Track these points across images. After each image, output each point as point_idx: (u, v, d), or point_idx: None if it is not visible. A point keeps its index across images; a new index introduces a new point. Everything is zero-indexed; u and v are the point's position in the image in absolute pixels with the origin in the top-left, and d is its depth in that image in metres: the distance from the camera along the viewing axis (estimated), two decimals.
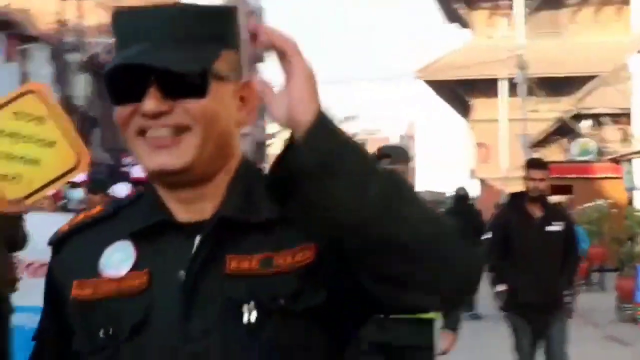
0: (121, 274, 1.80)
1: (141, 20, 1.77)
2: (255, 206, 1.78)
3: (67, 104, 29.99)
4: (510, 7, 43.96)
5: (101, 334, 1.79)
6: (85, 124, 31.99)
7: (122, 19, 1.80)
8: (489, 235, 8.67)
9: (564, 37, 48.30)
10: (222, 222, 1.76)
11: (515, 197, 8.70)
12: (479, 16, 50.68)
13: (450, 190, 20.64)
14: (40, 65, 30.16)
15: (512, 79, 36.49)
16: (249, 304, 1.72)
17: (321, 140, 1.57)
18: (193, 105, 1.73)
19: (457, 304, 1.75)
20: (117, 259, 1.81)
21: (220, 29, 1.80)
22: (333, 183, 1.56)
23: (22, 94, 4.78)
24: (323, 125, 1.58)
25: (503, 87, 39.48)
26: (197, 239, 1.77)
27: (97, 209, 1.94)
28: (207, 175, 1.79)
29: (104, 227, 1.88)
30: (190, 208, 1.80)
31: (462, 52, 48.97)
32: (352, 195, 1.56)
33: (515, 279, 8.37)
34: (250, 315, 1.72)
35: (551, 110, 39.84)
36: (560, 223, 8.41)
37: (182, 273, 1.75)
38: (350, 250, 1.61)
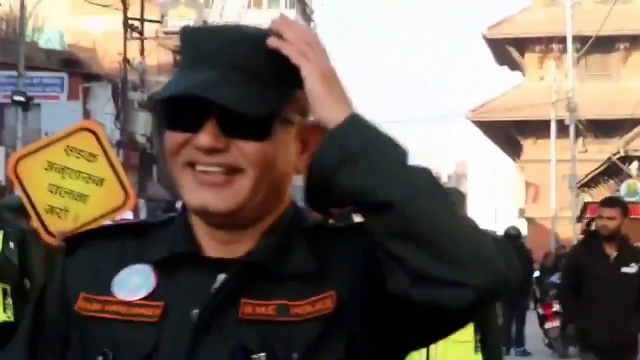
0: (135, 299, 1.66)
1: (212, 43, 1.61)
2: (286, 256, 1.65)
3: (128, 141, 30.24)
4: (562, 50, 43.78)
5: (100, 357, 1.65)
6: (145, 160, 32.22)
7: (191, 37, 1.65)
8: (555, 276, 8.37)
9: (613, 80, 48.01)
10: (248, 266, 1.64)
11: (590, 236, 8.37)
12: (530, 59, 50.58)
13: (500, 229, 20.40)
14: (103, 103, 30.48)
15: (562, 120, 36.24)
16: (260, 354, 1.59)
17: (353, 133, 1.52)
18: (251, 147, 1.60)
19: (492, 299, 1.58)
20: (134, 283, 1.67)
21: (290, 64, 1.61)
22: (363, 169, 1.51)
23: (76, 131, 4.81)
24: (350, 120, 1.54)
25: (553, 129, 39.22)
26: (220, 278, 1.63)
27: (126, 221, 1.79)
28: (251, 221, 1.65)
29: (127, 242, 1.73)
30: (224, 248, 1.66)
31: (513, 94, 48.85)
32: (385, 177, 1.51)
33: (586, 320, 7.98)
34: None
35: (600, 151, 39.47)
36: (636, 264, 7.93)
37: (196, 312, 1.61)
38: (383, 254, 1.53)
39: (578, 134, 37.96)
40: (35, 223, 4.60)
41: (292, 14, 59.16)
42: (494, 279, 1.53)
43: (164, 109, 1.63)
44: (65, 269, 1.74)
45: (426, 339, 1.67)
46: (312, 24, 67.45)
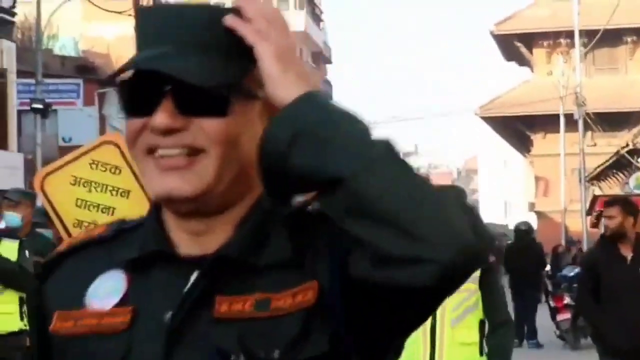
0: (106, 308, 1.53)
1: (166, 20, 1.50)
2: (262, 246, 1.51)
3: None
4: (569, 45, 43.66)
5: None
6: None
7: (146, 17, 1.54)
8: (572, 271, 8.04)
9: (621, 73, 47.88)
10: (222, 261, 1.50)
11: (604, 238, 7.93)
12: (538, 54, 50.45)
13: (510, 223, 20.45)
14: (118, 108, 30.56)
15: (571, 114, 36.16)
16: (238, 355, 1.45)
17: (306, 110, 1.42)
18: (212, 124, 1.47)
19: (463, 274, 1.40)
20: (105, 291, 1.54)
21: None
22: (314, 145, 1.39)
23: (99, 144, 4.88)
24: (301, 99, 1.43)
25: (562, 123, 39.13)
26: (193, 277, 1.50)
27: (101, 228, 1.65)
28: (221, 207, 1.51)
29: (100, 251, 1.60)
30: (197, 240, 1.52)
31: (521, 89, 48.75)
32: (335, 152, 1.39)
33: (606, 323, 7.58)
34: None
35: (609, 144, 39.38)
36: None
37: (168, 315, 1.48)
38: (345, 234, 1.40)
39: (587, 127, 37.87)
40: (63, 237, 4.69)
41: (302, 14, 59.05)
42: (460, 251, 1.37)
43: (121, 96, 1.52)
44: (41, 294, 1.64)
45: (406, 323, 1.51)
46: (321, 24, 67.33)
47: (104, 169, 4.75)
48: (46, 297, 1.62)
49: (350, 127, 1.42)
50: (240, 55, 1.49)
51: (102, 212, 4.69)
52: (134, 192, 4.72)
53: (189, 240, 1.53)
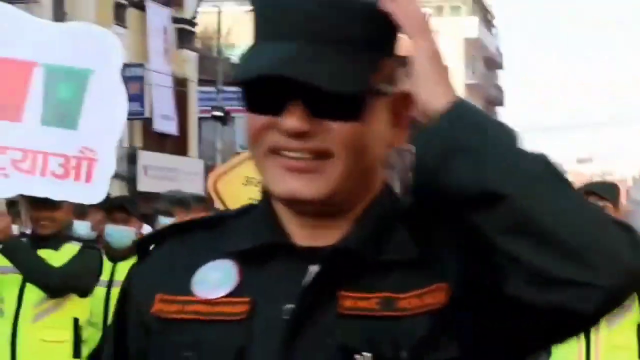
0: (217, 297, 1.46)
1: (289, 11, 1.39)
2: (384, 242, 1.44)
3: None
4: None
5: None
6: None
7: (264, 4, 1.44)
8: None
9: None
10: (342, 254, 1.43)
11: None
12: None
13: None
14: None
15: None
16: (364, 354, 1.38)
17: (458, 123, 1.37)
18: (342, 128, 1.38)
19: (622, 299, 1.36)
20: (215, 279, 1.47)
21: (380, 30, 1.42)
22: (470, 160, 1.34)
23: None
24: (453, 108, 1.38)
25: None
26: (312, 269, 1.42)
27: (200, 216, 1.60)
28: (343, 208, 1.45)
29: (203, 238, 1.53)
30: (313, 233, 1.45)
31: None
32: (496, 167, 1.34)
33: None
34: None
35: None
36: None
37: (289, 307, 1.41)
38: (496, 250, 1.34)
39: None
40: None
41: (474, 21, 58.69)
42: (625, 276, 1.33)
43: (242, 88, 1.42)
44: (132, 276, 1.57)
45: (543, 342, 1.44)
46: (493, 30, 66.72)
47: None
48: (139, 279, 1.55)
49: (506, 139, 1.37)
50: (370, 49, 1.41)
51: None
52: None
53: (305, 233, 1.46)
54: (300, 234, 1.45)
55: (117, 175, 20.05)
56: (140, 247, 1.58)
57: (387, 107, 1.43)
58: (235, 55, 32.98)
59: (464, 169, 1.34)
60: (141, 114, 20.55)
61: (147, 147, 21.74)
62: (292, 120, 1.37)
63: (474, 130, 1.36)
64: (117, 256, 6.42)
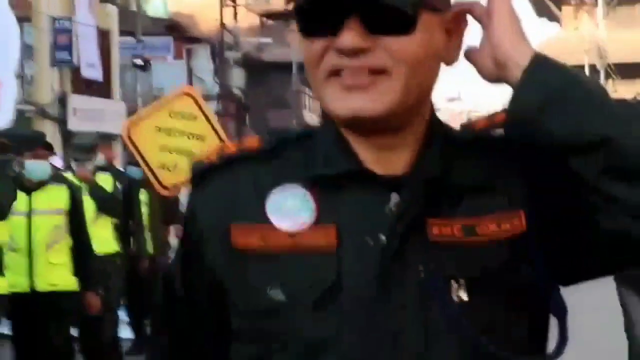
0: (299, 226, 1.27)
1: None
2: (457, 168, 1.30)
3: (226, 93, 30.58)
4: (594, 4, 42.89)
5: (272, 294, 1.27)
6: (239, 109, 32.55)
7: None
8: None
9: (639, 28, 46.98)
10: (425, 181, 1.28)
11: None
12: (566, 11, 49.67)
13: None
14: (203, 62, 30.81)
15: (594, 65, 35.56)
16: (458, 279, 1.25)
17: (548, 74, 1.25)
18: (399, 43, 1.24)
19: None
20: (292, 207, 1.28)
21: None
22: (566, 110, 1.23)
23: (177, 96, 4.98)
24: (543, 61, 1.26)
25: (586, 73, 38.53)
26: (394, 197, 1.27)
27: (254, 142, 1.37)
28: (404, 124, 1.29)
29: (262, 166, 1.33)
30: (381, 157, 1.29)
31: (551, 42, 48.05)
32: (598, 113, 1.23)
33: None
34: (458, 292, 1.25)
35: (627, 91, 38.76)
36: None
37: (380, 236, 1.25)
38: (595, 190, 1.24)
39: (607, 76, 37.28)
40: (150, 179, 4.83)
41: None
42: None
43: (298, 16, 1.28)
44: (195, 206, 1.35)
45: (612, 268, 1.35)
46: None
47: (180, 118, 4.85)
48: (205, 211, 1.33)
49: (593, 85, 1.27)
50: None
51: (181, 155, 4.80)
52: (208, 137, 4.81)
53: (373, 157, 1.29)
54: (369, 158, 1.29)
55: (49, 117, 19.81)
56: (195, 175, 1.37)
57: (441, 25, 1.29)
58: (148, 8, 32.47)
59: (567, 118, 1.23)
60: (70, 62, 20.22)
61: (76, 91, 21.43)
62: (349, 37, 1.23)
63: (567, 81, 1.25)
64: (31, 187, 6.22)
